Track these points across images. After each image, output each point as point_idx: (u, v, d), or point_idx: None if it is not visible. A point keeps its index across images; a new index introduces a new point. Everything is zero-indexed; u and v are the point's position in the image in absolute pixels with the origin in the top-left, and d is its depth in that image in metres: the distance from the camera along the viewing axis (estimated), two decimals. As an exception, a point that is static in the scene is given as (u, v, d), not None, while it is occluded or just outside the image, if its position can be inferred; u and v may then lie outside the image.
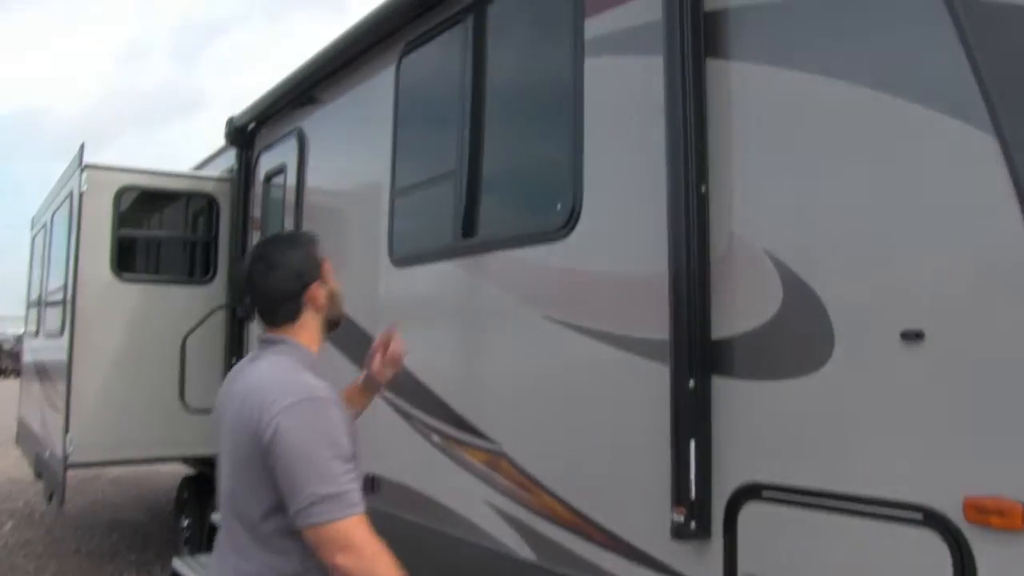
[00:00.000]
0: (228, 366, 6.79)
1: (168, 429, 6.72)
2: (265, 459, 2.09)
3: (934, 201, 2.16)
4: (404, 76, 4.63)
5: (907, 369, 2.16)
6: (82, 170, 6.65)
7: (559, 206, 3.35)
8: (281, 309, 2.37)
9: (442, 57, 4.34)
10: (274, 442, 2.07)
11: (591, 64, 3.25)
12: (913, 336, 2.12)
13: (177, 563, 5.93)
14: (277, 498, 2.11)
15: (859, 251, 2.31)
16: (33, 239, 10.21)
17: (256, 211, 6.66)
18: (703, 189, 2.69)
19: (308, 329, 2.39)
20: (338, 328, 2.50)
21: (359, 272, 4.96)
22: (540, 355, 3.42)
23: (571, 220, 3.26)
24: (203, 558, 5.98)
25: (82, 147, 6.75)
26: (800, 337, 2.43)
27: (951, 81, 2.14)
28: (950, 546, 2.03)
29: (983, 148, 2.04)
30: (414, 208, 4.48)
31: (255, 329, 6.60)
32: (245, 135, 6.81)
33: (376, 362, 2.74)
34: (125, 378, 6.71)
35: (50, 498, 7.22)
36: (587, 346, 3.15)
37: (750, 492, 2.53)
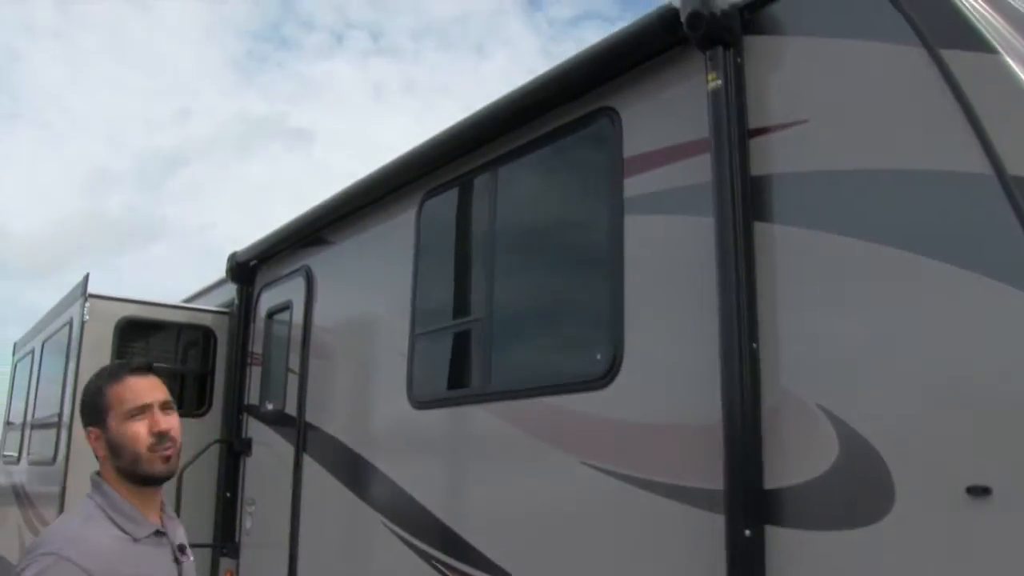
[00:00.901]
0: (224, 499, 6.68)
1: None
2: None
3: (992, 359, 2.30)
4: (425, 223, 4.79)
5: (972, 524, 2.25)
6: (85, 299, 6.65)
7: (599, 356, 3.46)
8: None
9: (467, 206, 4.53)
10: None
11: (631, 221, 3.42)
12: (980, 491, 2.22)
13: None
14: None
15: (917, 406, 2.44)
16: (16, 364, 10.07)
17: (256, 347, 6.68)
18: (754, 346, 2.82)
19: (108, 473, 2.15)
20: (157, 479, 2.14)
21: (375, 412, 5.00)
22: (577, 499, 3.46)
23: (612, 370, 3.37)
24: None
25: (86, 277, 6.79)
26: (858, 489, 2.53)
27: (997, 247, 2.32)
28: None
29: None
30: (436, 351, 4.56)
31: (250, 464, 6.55)
32: (246, 271, 6.89)
33: None
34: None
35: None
36: (629, 492, 3.21)
37: (811, 644, 2.56)
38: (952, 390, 2.38)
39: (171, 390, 6.63)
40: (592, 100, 3.71)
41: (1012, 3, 2.58)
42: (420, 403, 4.54)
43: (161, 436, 2.11)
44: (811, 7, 2.96)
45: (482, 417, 4.08)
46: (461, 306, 4.42)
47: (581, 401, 3.50)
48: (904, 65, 2.60)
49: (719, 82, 2.99)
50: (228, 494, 6.70)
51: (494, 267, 4.16)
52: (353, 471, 5.10)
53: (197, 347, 7.38)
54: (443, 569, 4.13)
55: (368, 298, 5.33)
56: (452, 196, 4.61)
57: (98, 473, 2.16)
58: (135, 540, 2.07)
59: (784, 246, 2.88)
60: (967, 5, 2.49)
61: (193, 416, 7.14)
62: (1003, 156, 2.30)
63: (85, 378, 6.17)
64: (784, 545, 2.69)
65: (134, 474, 2.10)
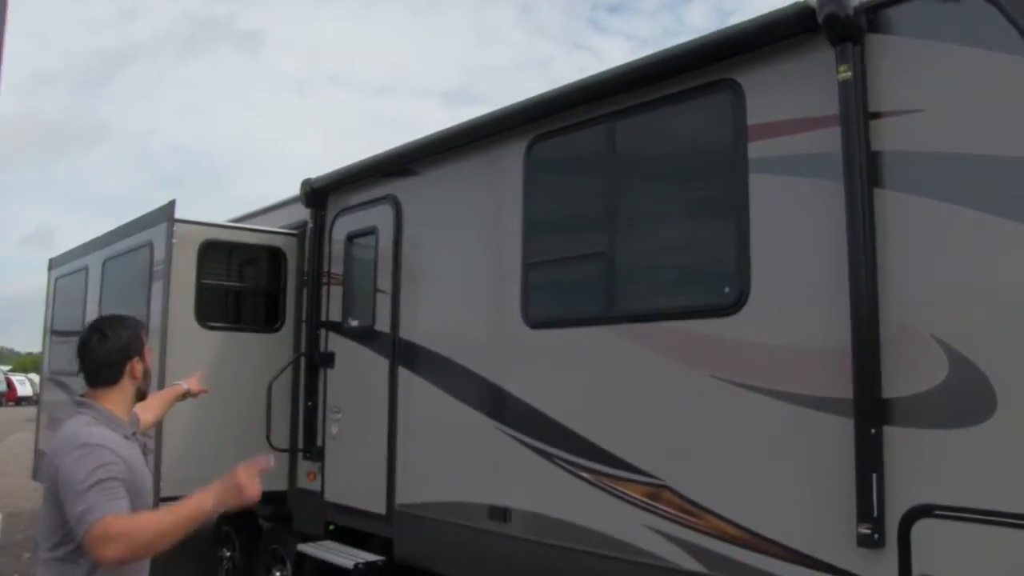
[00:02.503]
0: (305, 408, 7.52)
1: (254, 467, 7.38)
2: (56, 498, 2.79)
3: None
4: (534, 164, 5.54)
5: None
6: (172, 224, 7.29)
7: (727, 289, 4.33)
8: (103, 373, 3.06)
9: (583, 152, 5.30)
10: (57, 481, 2.77)
11: (755, 178, 4.25)
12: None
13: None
14: (66, 529, 2.79)
15: (1014, 336, 3.35)
16: (56, 281, 10.68)
17: (335, 267, 7.42)
18: (876, 287, 3.71)
19: (122, 393, 3.08)
20: (144, 398, 3.27)
21: (484, 331, 5.83)
22: (707, 407, 4.37)
23: (740, 301, 4.25)
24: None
25: (173, 203, 7.41)
26: (963, 399, 3.46)
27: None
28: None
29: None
30: (553, 279, 5.39)
31: (332, 375, 7.36)
32: (321, 197, 7.58)
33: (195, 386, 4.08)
34: (210, 418, 7.35)
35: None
36: (759, 401, 4.12)
37: (923, 511, 3.53)
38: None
39: (247, 308, 7.69)
40: (715, 72, 4.48)
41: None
42: (537, 323, 5.38)
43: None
44: (925, 13, 3.74)
45: (605, 336, 4.94)
46: (581, 240, 5.22)
47: (710, 325, 4.39)
48: (1012, 74, 3.42)
49: (849, 74, 3.79)
50: (309, 403, 7.54)
51: (616, 208, 4.96)
52: (459, 382, 5.95)
53: (268, 267, 8.09)
54: (568, 466, 5.04)
55: (469, 229, 6.10)
56: (566, 142, 5.36)
57: (82, 395, 3.07)
58: (124, 436, 2.99)
59: (898, 208, 3.74)
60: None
61: (267, 332, 7.93)
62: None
63: (175, 296, 6.80)
64: (898, 440, 3.64)
65: (144, 393, 3.21)
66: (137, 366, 3.11)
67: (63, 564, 2.84)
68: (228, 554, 8.60)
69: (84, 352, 3.08)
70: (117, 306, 8.61)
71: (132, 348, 3.11)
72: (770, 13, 4.12)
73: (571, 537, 4.97)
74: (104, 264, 9.03)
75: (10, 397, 39.38)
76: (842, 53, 3.84)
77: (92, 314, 9.17)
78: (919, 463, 3.58)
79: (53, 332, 10.83)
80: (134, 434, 3.10)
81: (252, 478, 2.91)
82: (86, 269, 9.58)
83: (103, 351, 3.06)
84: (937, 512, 3.50)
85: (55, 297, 10.86)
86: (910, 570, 3.55)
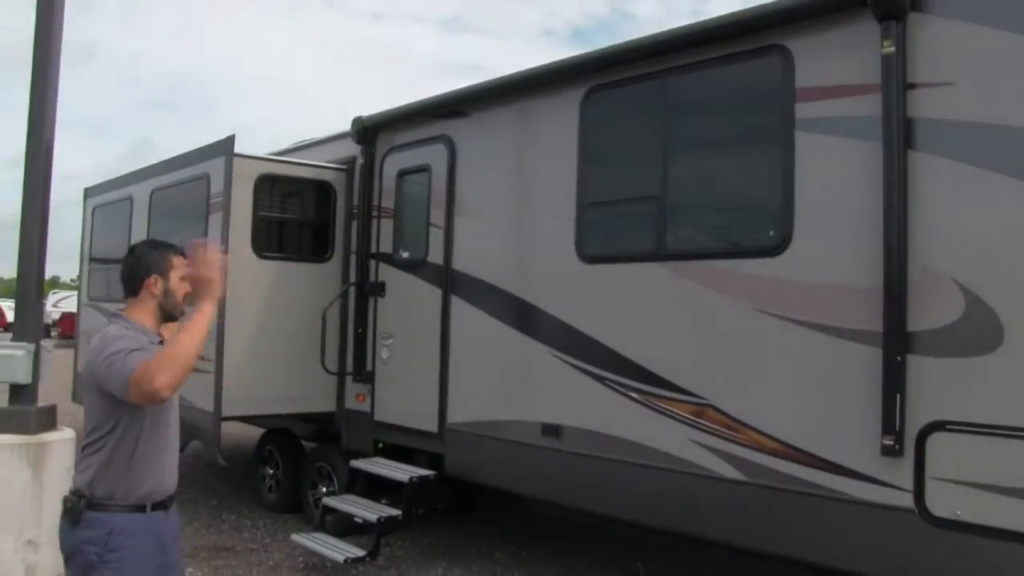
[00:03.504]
0: (356, 334, 8.29)
1: (305, 388, 8.20)
2: (93, 387, 3.36)
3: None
4: (590, 113, 6.23)
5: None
6: (231, 158, 7.95)
7: (771, 232, 5.07)
8: (128, 286, 3.58)
9: (638, 104, 5.99)
10: (95, 369, 3.32)
11: (801, 135, 4.96)
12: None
13: (298, 538, 7.48)
14: (96, 417, 3.38)
15: (1021, 281, 4.11)
16: (94, 210, 11.35)
17: (386, 202, 8.13)
18: (905, 236, 4.45)
19: (144, 306, 3.54)
20: (175, 320, 3.65)
21: (539, 264, 6.57)
22: (752, 335, 5.14)
23: (783, 244, 4.99)
24: (320, 535, 7.52)
25: (232, 138, 8.05)
26: (977, 332, 4.23)
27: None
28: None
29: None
30: (607, 218, 6.12)
31: (384, 304, 8.12)
32: (372, 134, 8.26)
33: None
34: (265, 343, 8.13)
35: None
36: (797, 331, 4.89)
37: (937, 426, 4.33)
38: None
39: (298, 239, 8.57)
40: (768, 37, 5.15)
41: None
42: (590, 258, 6.13)
43: (187, 295, 3.61)
44: (961, -4, 4.42)
45: (657, 272, 5.69)
46: (633, 183, 5.94)
47: (754, 265, 5.14)
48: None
49: (892, 48, 4.48)
50: (359, 330, 8.31)
51: (668, 155, 5.67)
52: (513, 311, 6.71)
53: (317, 200, 8.78)
54: (618, 388, 5.83)
55: (524, 169, 6.80)
56: (622, 93, 6.06)
57: (121, 310, 3.60)
58: (152, 342, 3.47)
59: (927, 168, 4.46)
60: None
61: (317, 262, 8.67)
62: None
63: (233, 228, 7.54)
64: (919, 367, 4.42)
65: (170, 314, 3.62)
66: (156, 283, 3.54)
67: (90, 450, 3.39)
68: (271, 471, 9.43)
69: (121, 267, 3.68)
70: (168, 235, 9.26)
71: (153, 267, 3.56)
72: (822, -11, 4.79)
73: (621, 451, 5.78)
74: (152, 194, 9.69)
75: (1, 324, 39.75)
76: (886, 29, 4.52)
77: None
78: (936, 386, 4.37)
79: (92, 259, 11.53)
80: (161, 342, 3.53)
81: (208, 264, 3.44)
82: (131, 199, 10.24)
83: (127, 266, 3.62)
84: (948, 427, 4.30)
85: (93, 226, 11.54)
86: (923, 475, 4.36)
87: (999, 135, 4.25)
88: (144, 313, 3.57)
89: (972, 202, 4.33)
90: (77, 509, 3.34)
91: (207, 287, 3.40)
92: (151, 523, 3.43)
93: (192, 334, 3.25)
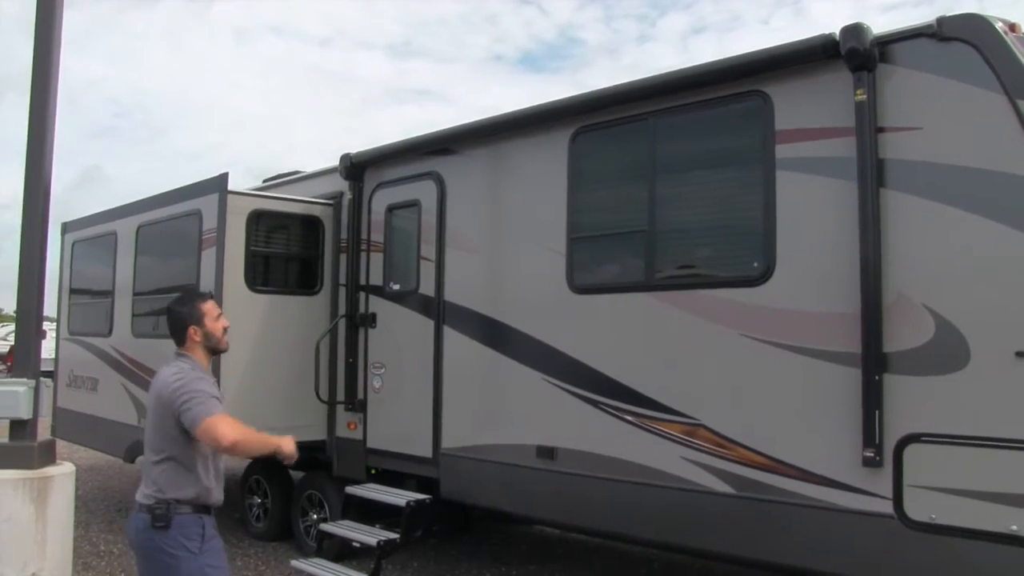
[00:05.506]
0: (347, 364, 8.69)
1: (295, 418, 8.58)
2: (174, 415, 4.11)
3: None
4: (578, 152, 6.75)
5: (1020, 375, 4.53)
6: (225, 195, 8.36)
7: (755, 264, 5.61)
8: (177, 338, 4.42)
9: (624, 144, 6.52)
10: (165, 402, 4.15)
11: (782, 174, 5.51)
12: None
13: (297, 564, 7.85)
14: (163, 442, 4.20)
15: (984, 303, 4.67)
16: (73, 245, 11.64)
17: (375, 235, 8.58)
18: (880, 265, 5.01)
19: (196, 349, 4.40)
20: (223, 352, 4.68)
21: (530, 295, 7.06)
22: (739, 359, 5.65)
23: (766, 274, 5.53)
24: (319, 560, 7.89)
25: (226, 175, 8.46)
26: (946, 352, 4.78)
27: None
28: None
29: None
30: (596, 251, 6.63)
31: (374, 334, 8.54)
32: (359, 170, 8.72)
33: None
34: (259, 373, 8.51)
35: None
36: (781, 354, 5.42)
37: (912, 438, 4.87)
38: (1004, 294, 4.61)
39: (287, 272, 9.15)
40: (748, 84, 5.72)
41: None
42: (581, 289, 6.63)
43: (225, 330, 4.52)
44: (922, 50, 5.00)
45: (644, 300, 6.20)
46: (622, 219, 6.46)
47: (739, 293, 5.67)
48: (988, 106, 4.71)
49: (864, 96, 5.06)
50: (351, 360, 8.71)
51: (655, 192, 6.19)
52: (506, 340, 7.18)
53: (306, 235, 9.19)
54: (611, 411, 6.31)
55: (515, 205, 7.29)
56: (609, 134, 6.58)
57: (180, 351, 4.43)
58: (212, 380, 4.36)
59: (898, 204, 5.03)
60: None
61: (307, 294, 9.07)
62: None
63: (228, 262, 7.96)
64: (895, 385, 4.96)
65: (215, 350, 4.50)
66: (195, 332, 4.38)
67: (157, 467, 4.20)
68: (259, 501, 9.74)
69: (167, 321, 4.48)
70: (156, 270, 9.69)
71: (189, 320, 4.40)
72: (801, 41, 5.36)
73: (615, 470, 6.26)
74: (139, 229, 10.03)
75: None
76: (859, 79, 5.10)
77: (125, 276, 10.20)
78: (911, 401, 4.91)
79: (72, 292, 11.80)
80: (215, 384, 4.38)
81: (291, 447, 4.28)
82: (114, 234, 10.56)
83: (170, 323, 4.45)
84: (923, 438, 4.84)
85: (73, 260, 11.82)
86: (902, 483, 4.90)
87: (961, 175, 4.83)
88: (197, 354, 4.42)
89: (938, 234, 4.89)
90: (168, 514, 4.12)
91: (286, 457, 4.29)
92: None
93: (261, 442, 4.22)
